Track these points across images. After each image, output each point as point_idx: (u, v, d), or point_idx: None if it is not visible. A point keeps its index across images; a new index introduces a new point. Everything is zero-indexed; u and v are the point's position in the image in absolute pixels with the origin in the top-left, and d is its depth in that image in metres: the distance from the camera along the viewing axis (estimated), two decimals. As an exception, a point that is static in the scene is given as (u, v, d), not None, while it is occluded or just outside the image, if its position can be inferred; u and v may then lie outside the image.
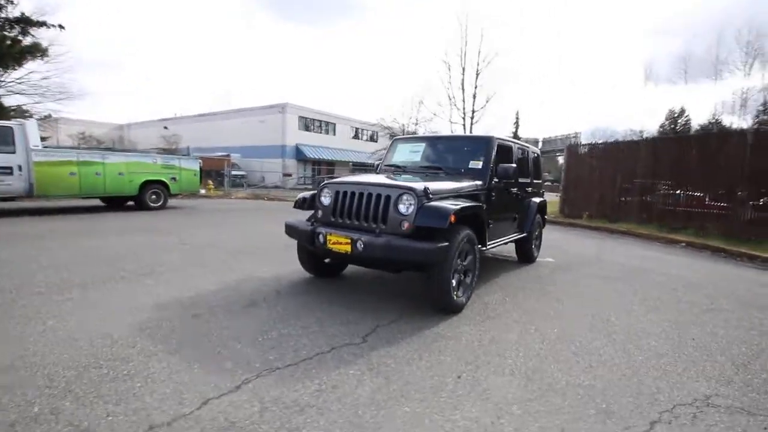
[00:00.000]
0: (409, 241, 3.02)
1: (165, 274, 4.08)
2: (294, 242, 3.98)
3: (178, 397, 1.92)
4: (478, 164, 4.19)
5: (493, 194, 4.17)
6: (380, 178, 3.84)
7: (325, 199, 3.70)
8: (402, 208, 3.21)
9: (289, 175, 26.96)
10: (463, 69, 16.98)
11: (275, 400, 1.95)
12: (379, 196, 3.33)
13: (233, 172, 20.99)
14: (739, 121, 35.51)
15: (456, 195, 3.63)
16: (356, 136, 36.58)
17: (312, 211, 3.84)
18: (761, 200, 8.85)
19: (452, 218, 3.04)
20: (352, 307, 3.38)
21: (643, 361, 2.64)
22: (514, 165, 4.24)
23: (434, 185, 3.39)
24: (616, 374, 2.43)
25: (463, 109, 17.36)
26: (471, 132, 17.71)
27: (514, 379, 2.30)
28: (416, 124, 27.65)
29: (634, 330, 3.22)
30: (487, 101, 17.18)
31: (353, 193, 3.48)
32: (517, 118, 37.00)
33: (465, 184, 3.84)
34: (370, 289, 3.92)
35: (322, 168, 30.43)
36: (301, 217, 3.98)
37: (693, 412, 2.06)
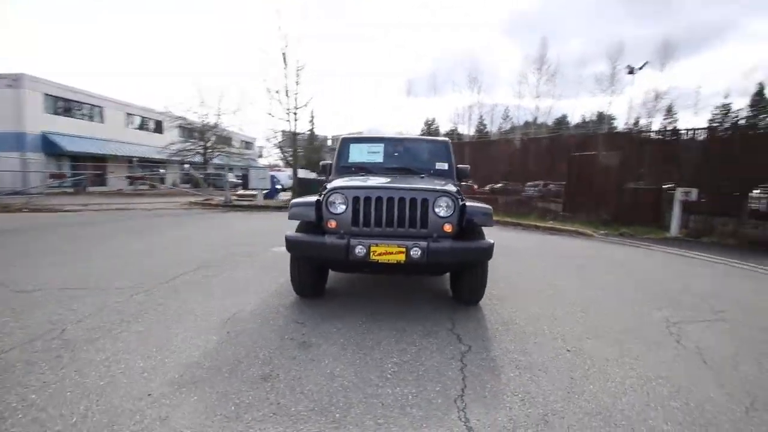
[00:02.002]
0: (469, 243, 3.16)
1: (101, 340, 2.66)
2: (215, 260, 3.37)
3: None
4: (444, 165, 4.57)
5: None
6: (399, 182, 3.69)
7: (335, 207, 3.30)
8: (440, 210, 3.27)
9: (63, 176, 19.14)
10: (285, 64, 16.46)
11: (527, 418, 1.87)
12: (414, 200, 3.25)
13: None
14: (468, 129, 48.99)
15: None
16: (135, 125, 29.50)
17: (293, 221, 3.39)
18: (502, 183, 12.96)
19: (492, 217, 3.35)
20: (399, 317, 3.23)
21: (620, 306, 3.74)
22: (468, 165, 4.84)
23: (451, 187, 3.58)
24: (630, 315, 3.39)
25: (288, 104, 16.89)
26: (295, 128, 17.52)
27: (609, 347, 2.87)
28: (218, 116, 24.90)
29: (591, 286, 4.39)
30: (306, 104, 17.24)
31: (380, 199, 3.26)
32: (312, 117, 38.89)
33: (451, 185, 4.16)
34: (374, 299, 3.74)
35: (88, 165, 23.16)
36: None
37: (679, 325, 3.19)
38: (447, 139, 4.87)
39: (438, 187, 3.38)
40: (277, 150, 20.70)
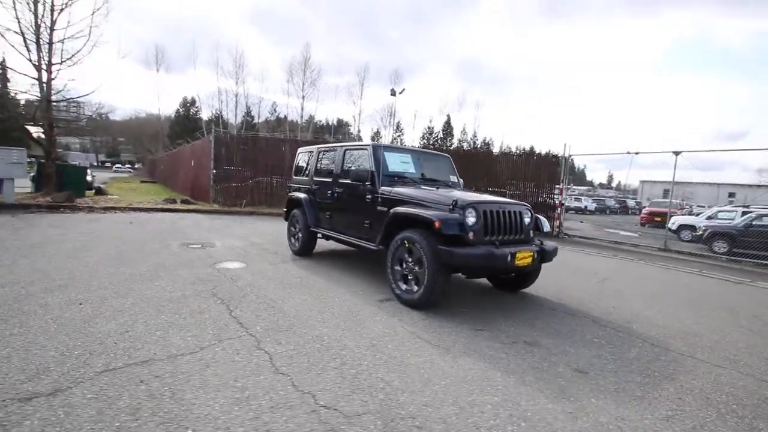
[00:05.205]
0: (554, 244, 4.28)
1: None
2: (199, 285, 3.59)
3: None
4: (455, 178, 5.38)
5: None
6: (490, 197, 4.31)
7: (470, 220, 3.72)
8: (526, 220, 4.23)
9: None
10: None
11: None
12: (513, 212, 4.07)
13: None
14: (234, 118, 46.18)
15: None
16: None
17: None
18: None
19: (543, 225, 4.59)
20: (520, 313, 3.97)
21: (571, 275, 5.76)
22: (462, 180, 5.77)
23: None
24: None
25: (38, 56, 11.33)
26: (48, 89, 12.17)
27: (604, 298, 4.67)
28: None
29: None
30: (74, 57, 12.15)
31: (497, 212, 3.91)
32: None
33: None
34: (464, 304, 4.26)
35: None
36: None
37: (605, 282, 5.46)
38: (448, 155, 5.65)
39: (521, 202, 4.32)
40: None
